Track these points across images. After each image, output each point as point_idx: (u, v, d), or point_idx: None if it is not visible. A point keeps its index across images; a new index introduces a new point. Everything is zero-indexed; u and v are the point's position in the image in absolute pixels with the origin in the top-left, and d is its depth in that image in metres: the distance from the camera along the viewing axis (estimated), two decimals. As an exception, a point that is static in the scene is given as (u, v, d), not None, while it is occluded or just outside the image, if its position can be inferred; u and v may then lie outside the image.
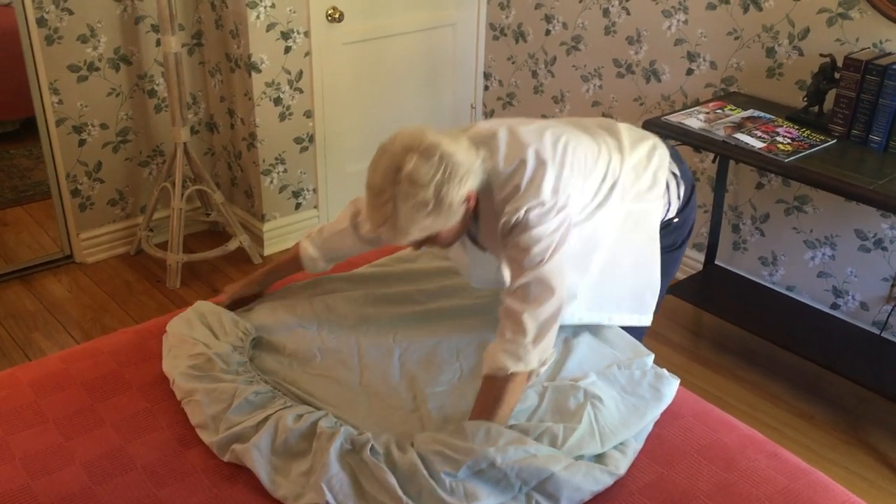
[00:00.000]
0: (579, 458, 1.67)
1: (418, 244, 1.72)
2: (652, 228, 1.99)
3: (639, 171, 1.94)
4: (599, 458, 1.69)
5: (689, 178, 2.10)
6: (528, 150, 1.72)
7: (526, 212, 1.67)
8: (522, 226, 1.68)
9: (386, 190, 1.59)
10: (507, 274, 1.79)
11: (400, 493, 1.56)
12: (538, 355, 1.70)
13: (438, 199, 1.58)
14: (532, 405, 1.78)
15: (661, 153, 2.00)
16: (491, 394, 1.70)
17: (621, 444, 1.72)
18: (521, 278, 1.69)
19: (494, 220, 1.73)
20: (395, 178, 1.58)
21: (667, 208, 2.02)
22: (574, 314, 1.96)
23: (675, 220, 2.08)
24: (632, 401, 1.81)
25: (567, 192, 1.72)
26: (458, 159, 1.61)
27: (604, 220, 1.89)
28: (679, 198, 2.05)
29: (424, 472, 1.59)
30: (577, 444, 1.67)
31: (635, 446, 1.72)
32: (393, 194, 1.58)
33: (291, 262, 2.15)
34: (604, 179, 1.86)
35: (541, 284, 1.68)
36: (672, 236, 2.09)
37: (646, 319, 2.06)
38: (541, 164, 1.71)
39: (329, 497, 1.55)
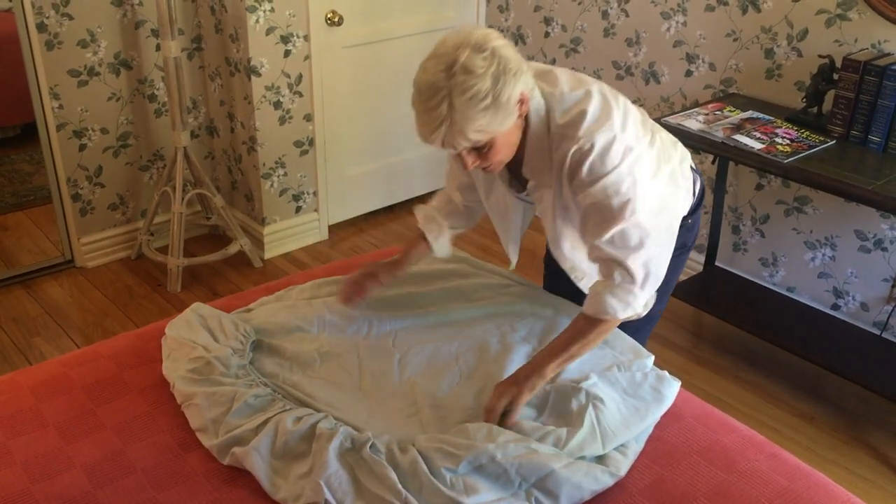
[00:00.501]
0: (580, 458, 1.67)
1: (472, 153, 1.62)
2: (674, 218, 1.92)
3: (670, 149, 1.92)
4: (600, 460, 1.69)
5: (701, 177, 2.09)
6: (592, 85, 1.70)
7: (596, 143, 1.61)
8: (597, 160, 1.62)
9: (440, 87, 1.51)
10: (547, 215, 1.79)
11: (399, 487, 1.56)
12: (644, 299, 1.73)
13: (496, 91, 1.51)
14: (534, 407, 1.78)
15: (682, 148, 2.01)
16: (580, 331, 1.74)
17: (622, 445, 1.72)
18: (615, 225, 1.65)
19: (548, 147, 1.68)
20: (450, 72, 1.51)
21: (688, 202, 1.99)
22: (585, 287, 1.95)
23: (689, 219, 2.04)
24: (633, 402, 1.81)
25: (633, 134, 1.68)
26: (508, 54, 1.55)
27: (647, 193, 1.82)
28: (694, 195, 2.03)
29: (425, 468, 1.59)
30: (579, 445, 1.67)
31: (636, 448, 1.72)
32: (448, 90, 1.50)
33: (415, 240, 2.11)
34: (650, 147, 1.80)
35: (638, 227, 1.67)
36: (683, 237, 2.06)
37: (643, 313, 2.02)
38: (605, 99, 1.68)
39: (328, 495, 1.55)
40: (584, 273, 1.96)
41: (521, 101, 1.59)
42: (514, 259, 2.13)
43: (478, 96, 1.51)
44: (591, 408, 1.74)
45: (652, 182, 1.77)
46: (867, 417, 2.77)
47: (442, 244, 2.10)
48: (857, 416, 2.78)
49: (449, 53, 1.53)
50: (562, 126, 1.66)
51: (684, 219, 2.01)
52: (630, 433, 1.74)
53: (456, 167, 2.05)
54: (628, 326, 2.05)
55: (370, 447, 1.64)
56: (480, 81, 1.51)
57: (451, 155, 1.90)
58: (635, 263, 1.70)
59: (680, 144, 2.01)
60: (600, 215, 1.67)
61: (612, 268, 1.71)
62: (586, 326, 1.75)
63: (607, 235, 1.67)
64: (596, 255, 1.73)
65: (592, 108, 1.65)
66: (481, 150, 1.62)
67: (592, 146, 1.62)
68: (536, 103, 1.66)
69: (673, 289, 2.14)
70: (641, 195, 1.68)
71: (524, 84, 1.58)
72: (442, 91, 1.51)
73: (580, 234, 1.79)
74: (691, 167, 2.02)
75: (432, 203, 2.13)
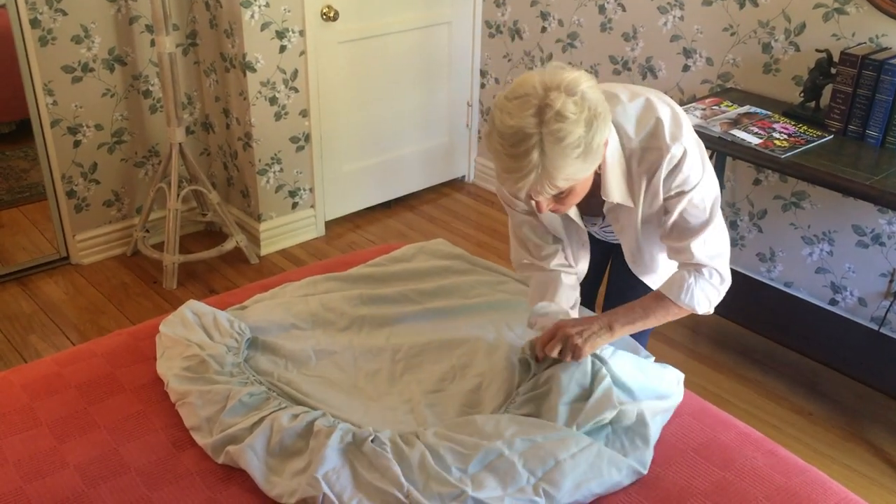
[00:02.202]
0: (602, 428, 1.68)
1: (551, 198, 1.56)
2: None
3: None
4: (625, 444, 1.67)
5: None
6: (643, 90, 1.69)
7: (687, 148, 1.61)
8: (693, 165, 1.62)
9: (532, 134, 1.42)
10: (627, 233, 1.78)
11: (402, 479, 1.55)
12: (720, 298, 1.77)
13: (588, 138, 1.44)
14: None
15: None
16: (656, 309, 1.76)
17: (645, 431, 1.70)
18: (707, 227, 1.68)
19: (625, 165, 1.65)
20: (542, 118, 1.42)
21: None
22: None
23: None
24: (644, 364, 1.84)
25: (692, 131, 1.70)
26: (596, 96, 1.47)
27: None
28: None
29: (432, 461, 1.59)
30: (596, 406, 1.69)
31: (653, 439, 1.71)
32: (540, 137, 1.42)
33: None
34: None
35: (720, 226, 1.70)
36: None
37: None
38: (664, 101, 1.67)
39: (325, 489, 1.54)
40: (655, 273, 1.95)
41: (605, 143, 1.54)
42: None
43: (572, 145, 1.43)
44: (601, 365, 1.76)
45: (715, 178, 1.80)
46: (865, 413, 2.76)
47: (568, 295, 1.94)
48: (854, 412, 2.77)
49: (536, 95, 1.44)
50: (641, 140, 1.63)
51: None
52: (646, 378, 1.76)
53: (526, 227, 1.93)
54: None
55: (373, 441, 1.64)
56: (575, 128, 1.43)
57: (514, 220, 1.91)
58: (722, 265, 1.74)
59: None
60: (693, 222, 1.69)
61: (702, 267, 1.73)
62: (664, 307, 1.77)
63: (699, 239, 1.69)
64: (684, 258, 1.74)
65: (663, 114, 1.63)
66: (559, 195, 1.57)
67: (685, 152, 1.62)
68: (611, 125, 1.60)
69: None
70: (719, 198, 1.72)
71: (609, 125, 1.53)
72: (533, 138, 1.42)
73: (662, 239, 1.77)
74: None
75: (535, 304, 1.92)
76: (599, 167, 1.61)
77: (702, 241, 1.70)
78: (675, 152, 1.61)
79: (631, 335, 2.03)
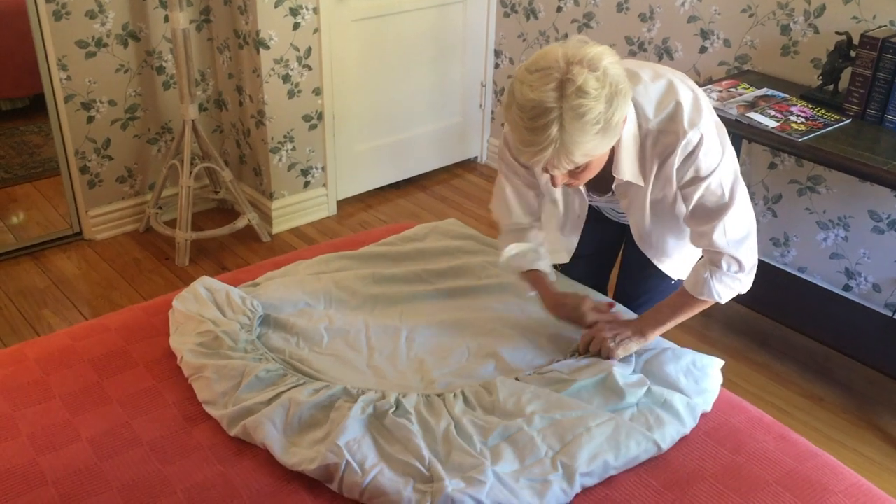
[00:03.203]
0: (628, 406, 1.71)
1: (566, 173, 1.56)
2: None
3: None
4: (650, 420, 1.68)
5: None
6: (667, 71, 1.67)
7: (704, 134, 1.60)
8: (710, 152, 1.61)
9: (551, 108, 1.40)
10: (644, 212, 1.79)
11: (424, 451, 1.57)
12: (750, 279, 1.77)
13: (608, 114, 1.43)
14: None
15: None
16: (682, 307, 1.81)
17: (674, 409, 1.71)
18: (726, 213, 1.66)
19: (641, 144, 1.64)
20: (563, 93, 1.40)
21: None
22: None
23: None
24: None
25: (714, 115, 1.68)
26: (617, 72, 1.45)
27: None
28: None
29: (456, 433, 1.62)
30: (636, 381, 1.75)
31: (686, 423, 1.71)
32: (560, 111, 1.40)
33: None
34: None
35: (742, 212, 1.69)
36: None
37: (682, 274, 2.01)
38: (686, 84, 1.66)
39: (348, 456, 1.55)
40: (669, 257, 1.95)
41: (624, 120, 1.52)
42: (564, 259, 2.10)
43: (592, 121, 1.42)
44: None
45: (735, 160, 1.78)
46: (876, 399, 2.75)
47: (546, 264, 2.00)
48: (866, 398, 2.76)
49: (559, 69, 1.42)
50: (659, 122, 1.62)
51: None
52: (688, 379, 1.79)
53: (515, 196, 1.95)
54: (655, 299, 2.07)
55: (397, 408, 1.66)
56: (595, 104, 1.41)
57: (510, 184, 1.92)
58: (744, 251, 1.71)
59: None
60: (712, 208, 1.67)
61: (720, 256, 1.72)
62: (689, 303, 1.81)
63: (719, 225, 1.67)
64: (705, 244, 1.73)
65: (684, 98, 1.61)
66: (575, 170, 1.56)
67: (702, 138, 1.60)
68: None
69: None
70: (738, 177, 1.69)
71: (629, 102, 1.51)
72: (553, 112, 1.41)
73: (685, 221, 1.76)
74: None
75: (506, 247, 1.99)
76: (617, 142, 1.60)
77: (722, 228, 1.68)
78: (692, 138, 1.59)
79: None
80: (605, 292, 2.27)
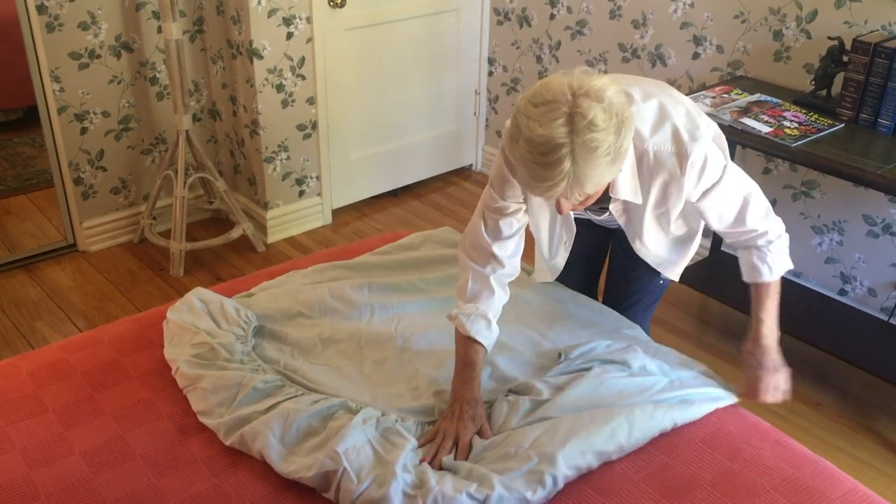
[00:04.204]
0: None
1: (571, 205, 1.57)
2: None
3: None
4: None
5: None
6: (657, 92, 1.70)
7: (707, 153, 1.64)
8: (713, 166, 1.66)
9: (563, 144, 1.39)
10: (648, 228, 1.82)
11: (415, 461, 1.59)
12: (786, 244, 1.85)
13: (617, 144, 1.44)
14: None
15: None
16: (770, 299, 1.90)
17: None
18: (748, 207, 1.74)
19: (637, 164, 1.67)
20: (574, 128, 1.39)
21: None
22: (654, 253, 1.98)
23: None
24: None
25: (707, 122, 1.72)
26: (620, 100, 1.45)
27: None
28: None
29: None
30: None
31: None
32: (572, 148, 1.40)
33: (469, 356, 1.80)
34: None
35: (757, 197, 1.75)
36: None
37: (674, 274, 2.04)
38: (675, 100, 1.69)
39: (346, 463, 1.54)
40: (665, 260, 1.98)
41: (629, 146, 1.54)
42: (549, 278, 2.12)
43: (603, 153, 1.42)
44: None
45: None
46: (874, 404, 2.75)
47: (493, 337, 1.83)
48: (863, 403, 2.75)
49: (566, 102, 1.41)
50: (657, 142, 1.64)
51: None
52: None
53: (494, 225, 1.82)
54: (649, 297, 2.13)
55: (397, 424, 1.67)
56: (606, 137, 1.41)
57: (496, 215, 1.81)
58: (772, 221, 1.79)
59: None
60: (733, 205, 1.74)
61: (764, 235, 1.79)
62: (767, 292, 1.88)
63: (747, 215, 1.75)
64: (743, 238, 1.81)
65: (678, 117, 1.65)
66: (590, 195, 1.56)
67: (705, 153, 1.64)
68: None
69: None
70: (741, 172, 1.76)
71: (633, 129, 1.52)
72: (564, 147, 1.40)
73: (709, 225, 1.82)
74: None
75: (469, 302, 1.82)
76: None
77: (751, 214, 1.75)
78: (697, 156, 1.63)
79: (638, 323, 2.05)
80: (594, 296, 2.28)
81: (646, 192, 1.70)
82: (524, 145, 1.43)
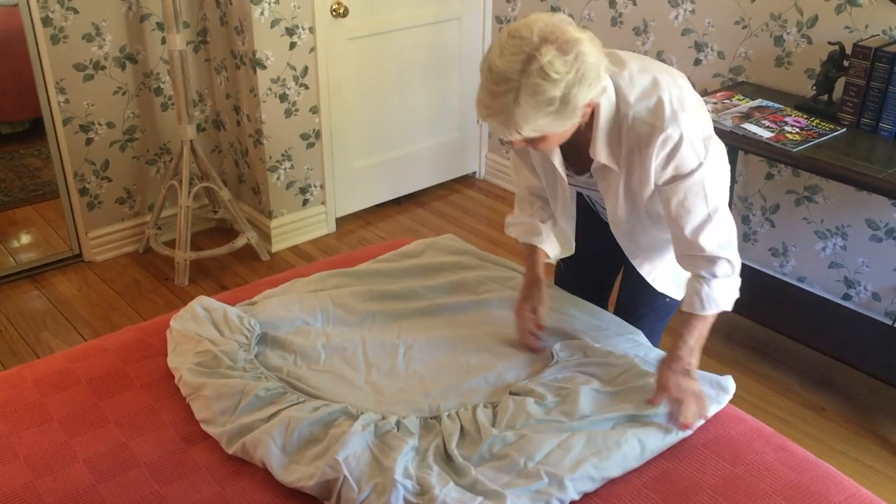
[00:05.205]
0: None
1: (520, 143, 1.60)
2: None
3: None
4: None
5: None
6: (659, 70, 1.67)
7: (684, 133, 1.59)
8: (689, 152, 1.61)
9: (511, 79, 1.44)
10: (608, 190, 1.77)
11: (417, 469, 1.58)
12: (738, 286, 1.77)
13: (565, 99, 1.45)
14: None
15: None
16: (702, 330, 1.76)
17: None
18: (711, 221, 1.66)
19: (618, 130, 1.65)
20: (526, 67, 1.43)
21: None
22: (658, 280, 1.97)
23: None
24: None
25: (705, 118, 1.69)
26: (591, 61, 1.46)
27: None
28: None
29: (448, 454, 1.62)
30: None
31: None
32: (517, 85, 1.44)
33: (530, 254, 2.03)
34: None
35: (726, 218, 1.68)
36: None
37: (681, 293, 1.99)
38: (676, 83, 1.66)
39: (346, 471, 1.54)
40: (641, 251, 1.93)
41: (588, 105, 1.53)
42: (566, 252, 2.09)
43: (544, 102, 1.45)
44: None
45: (724, 166, 1.78)
46: (878, 408, 2.74)
47: (551, 245, 2.03)
48: (868, 407, 2.75)
49: (531, 43, 1.44)
50: (638, 110, 1.62)
51: None
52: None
53: (519, 161, 1.98)
54: (655, 315, 2.10)
55: (398, 429, 1.66)
56: (553, 89, 1.44)
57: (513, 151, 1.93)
58: (732, 253, 1.71)
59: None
60: (696, 211, 1.66)
61: (711, 262, 1.70)
62: (700, 321, 1.75)
63: (704, 231, 1.67)
64: (691, 251, 1.72)
65: (668, 94, 1.61)
66: (530, 139, 1.58)
67: (682, 136, 1.60)
68: (608, 88, 1.60)
69: None
70: (723, 181, 1.70)
71: (597, 90, 1.52)
72: (512, 83, 1.44)
73: (669, 226, 1.74)
74: None
75: (519, 214, 2.05)
76: (592, 125, 1.63)
77: (709, 232, 1.67)
78: (672, 134, 1.59)
79: (648, 336, 2.03)
80: (603, 306, 2.27)
81: (619, 160, 1.68)
82: (486, 68, 1.49)
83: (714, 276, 1.71)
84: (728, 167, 1.83)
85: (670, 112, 1.59)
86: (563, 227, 2.01)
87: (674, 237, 1.75)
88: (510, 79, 1.44)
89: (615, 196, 1.77)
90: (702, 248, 1.69)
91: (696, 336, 1.76)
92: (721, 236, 1.69)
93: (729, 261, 1.71)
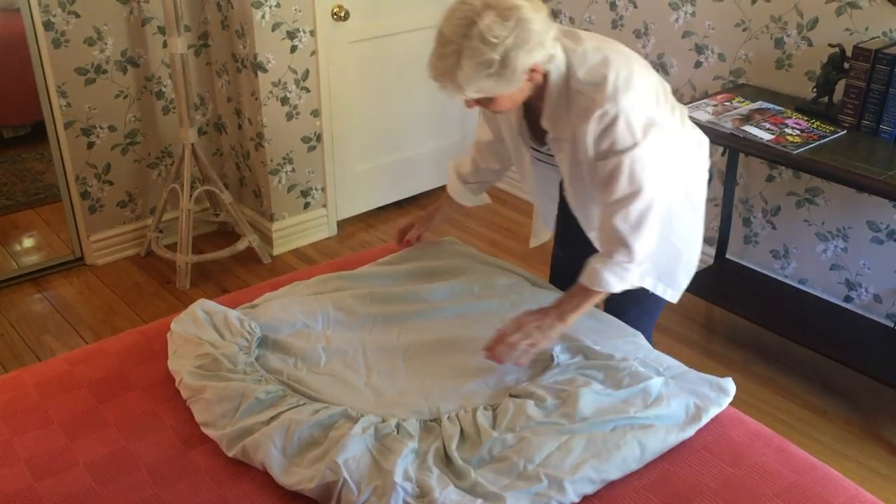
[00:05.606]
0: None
1: (473, 103, 1.70)
2: (699, 202, 2.00)
3: (691, 129, 1.97)
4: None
5: (711, 170, 2.13)
6: (615, 51, 1.72)
7: (621, 111, 1.65)
8: (624, 130, 1.66)
9: (454, 41, 1.56)
10: (566, 170, 1.83)
11: (417, 471, 1.58)
12: (640, 272, 1.81)
13: (504, 62, 1.55)
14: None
15: (700, 131, 2.04)
16: (581, 300, 1.83)
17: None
18: (632, 202, 1.71)
19: (566, 103, 1.71)
20: (467, 31, 1.55)
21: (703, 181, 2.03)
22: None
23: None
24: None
25: (653, 103, 1.73)
26: (534, 27, 1.57)
27: (672, 176, 1.88)
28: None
29: (448, 456, 1.63)
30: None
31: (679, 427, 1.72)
32: (459, 47, 1.56)
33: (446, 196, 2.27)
34: (671, 113, 1.86)
35: (650, 206, 1.72)
36: None
37: (673, 294, 2.03)
38: (629, 65, 1.70)
39: (345, 474, 1.54)
40: (594, 226, 1.96)
41: (533, 70, 1.62)
42: (543, 237, 2.16)
43: (483, 64, 1.55)
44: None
45: (673, 156, 1.81)
46: (881, 411, 2.74)
47: (466, 199, 2.26)
48: (870, 410, 2.74)
49: (474, 9, 1.55)
50: (584, 84, 1.68)
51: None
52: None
53: (483, 120, 2.11)
54: (640, 309, 2.10)
55: (398, 431, 1.66)
56: (490, 52, 1.54)
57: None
58: (638, 242, 1.74)
59: (698, 129, 2.03)
60: (618, 188, 1.71)
61: (615, 243, 1.76)
62: (587, 296, 1.83)
63: (622, 210, 1.72)
64: (605, 225, 1.77)
65: (614, 74, 1.66)
66: (482, 100, 1.67)
67: (618, 114, 1.65)
68: (558, 61, 1.68)
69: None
70: (660, 172, 1.73)
71: (540, 56, 1.60)
72: (453, 46, 1.56)
73: (596, 192, 1.80)
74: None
75: (462, 166, 2.27)
76: (544, 96, 1.71)
77: (624, 213, 1.72)
78: (609, 110, 1.65)
79: (639, 331, 2.04)
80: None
81: (566, 131, 1.74)
82: (438, 31, 1.61)
83: (610, 256, 1.77)
84: (694, 170, 1.91)
85: (612, 90, 1.65)
86: (540, 210, 2.08)
87: (600, 212, 1.81)
88: (453, 41, 1.56)
89: (567, 168, 1.84)
90: (612, 225, 1.74)
91: (574, 304, 1.84)
92: (634, 221, 1.73)
93: (630, 248, 1.75)
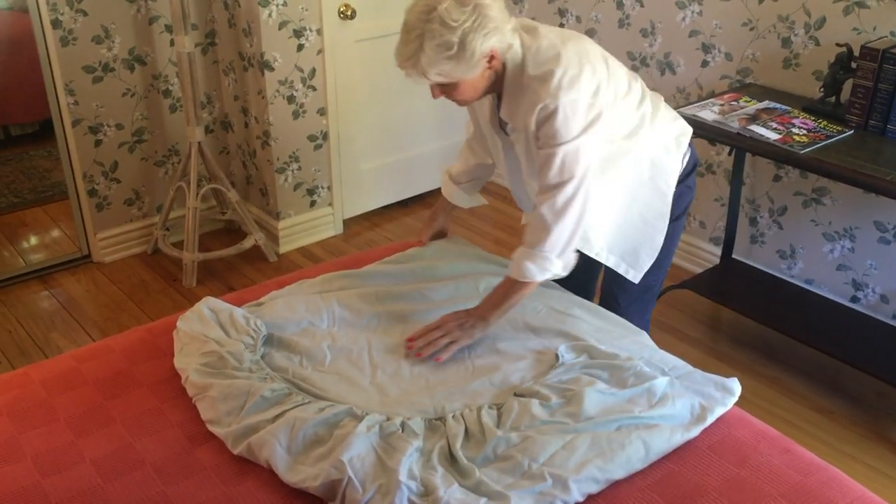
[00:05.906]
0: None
1: (437, 87, 1.79)
2: (667, 186, 2.04)
3: (667, 120, 2.03)
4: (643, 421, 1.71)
5: (695, 158, 2.14)
6: (570, 48, 1.78)
7: (560, 106, 1.73)
8: (562, 125, 1.75)
9: (416, 27, 1.66)
10: (526, 163, 1.92)
11: (421, 469, 1.58)
12: (561, 265, 1.87)
13: (462, 44, 1.65)
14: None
15: (684, 122, 2.10)
16: (508, 292, 1.91)
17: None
18: (560, 191, 1.79)
19: (520, 95, 1.80)
20: (428, 17, 1.65)
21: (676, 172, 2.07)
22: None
23: (676, 189, 2.08)
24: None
25: (603, 101, 1.80)
26: (490, 13, 1.67)
27: (629, 157, 1.96)
28: (682, 166, 2.08)
29: (453, 454, 1.63)
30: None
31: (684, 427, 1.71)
32: (421, 32, 1.66)
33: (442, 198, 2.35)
34: (639, 106, 1.94)
35: (580, 199, 1.81)
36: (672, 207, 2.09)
37: (634, 275, 2.09)
38: (580, 63, 1.76)
39: (350, 472, 1.55)
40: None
41: (492, 57, 1.72)
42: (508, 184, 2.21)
43: (443, 46, 1.65)
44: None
45: (625, 151, 1.91)
46: (887, 411, 2.73)
47: (460, 200, 2.32)
48: (876, 411, 2.73)
49: None
50: (531, 78, 1.77)
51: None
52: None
53: (470, 116, 2.17)
54: (629, 297, 2.15)
55: (403, 430, 1.66)
56: (449, 35, 1.64)
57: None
58: (557, 228, 1.81)
59: (681, 120, 2.09)
60: (549, 176, 1.80)
61: (539, 231, 1.82)
62: (514, 287, 1.91)
63: (550, 199, 1.80)
64: (535, 213, 1.86)
65: (560, 71, 1.74)
66: (446, 87, 1.78)
67: (556, 109, 1.74)
68: (514, 53, 1.78)
69: (672, 258, 2.19)
70: (597, 167, 1.82)
71: (498, 42, 1.70)
72: (416, 31, 1.67)
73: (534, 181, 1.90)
74: (689, 144, 2.10)
75: (456, 166, 2.33)
76: (503, 84, 1.81)
77: (551, 202, 1.79)
78: (548, 104, 1.74)
79: (630, 320, 2.07)
80: (592, 291, 2.40)
81: (519, 121, 1.83)
82: (402, 23, 1.71)
83: (533, 246, 1.84)
84: (663, 156, 1.98)
85: (555, 86, 1.74)
86: (515, 195, 2.15)
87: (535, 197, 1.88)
88: (416, 27, 1.66)
89: (523, 156, 1.92)
90: (540, 213, 1.82)
91: (497, 300, 1.93)
92: (558, 209, 1.80)
93: (549, 236, 1.82)
